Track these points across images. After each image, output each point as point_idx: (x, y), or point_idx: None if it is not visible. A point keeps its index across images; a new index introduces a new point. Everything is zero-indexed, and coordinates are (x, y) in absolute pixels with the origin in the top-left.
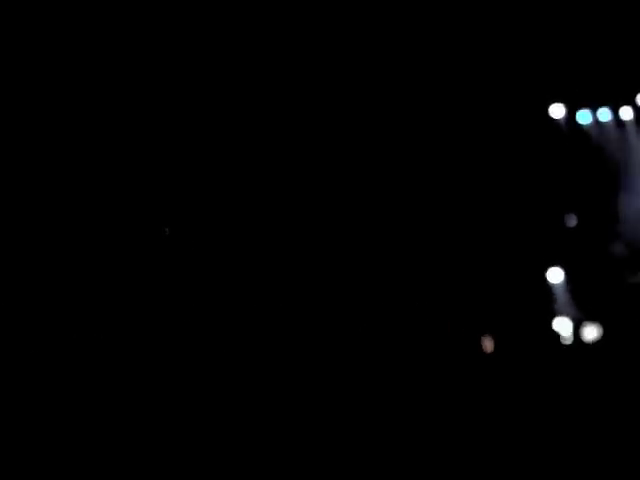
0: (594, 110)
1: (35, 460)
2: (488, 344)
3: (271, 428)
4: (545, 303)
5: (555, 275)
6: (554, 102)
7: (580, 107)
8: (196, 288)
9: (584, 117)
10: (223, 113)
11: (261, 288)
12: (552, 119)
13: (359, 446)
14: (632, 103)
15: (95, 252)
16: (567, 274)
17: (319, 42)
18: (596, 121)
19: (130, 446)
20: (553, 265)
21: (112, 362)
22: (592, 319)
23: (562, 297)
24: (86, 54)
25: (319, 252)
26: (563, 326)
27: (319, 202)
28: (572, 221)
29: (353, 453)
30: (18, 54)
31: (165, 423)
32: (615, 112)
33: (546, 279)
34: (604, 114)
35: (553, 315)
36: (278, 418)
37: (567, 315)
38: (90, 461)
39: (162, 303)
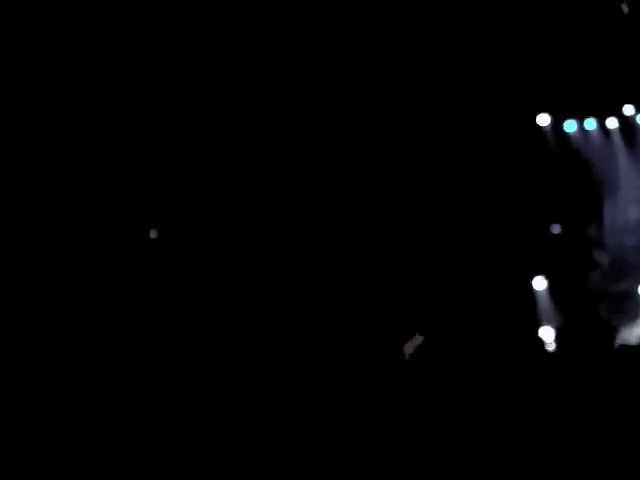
0: (580, 120)
1: (35, 460)
2: (414, 343)
3: (270, 427)
4: (529, 311)
5: (539, 283)
6: (541, 112)
7: (568, 117)
8: (194, 288)
9: (570, 126)
10: (221, 113)
11: (259, 288)
12: (539, 127)
13: (358, 445)
14: (618, 114)
15: (94, 251)
16: (551, 282)
17: (317, 42)
18: (582, 130)
19: (128, 446)
20: (537, 273)
21: (110, 362)
22: (576, 327)
23: (546, 305)
24: (85, 54)
25: (305, 254)
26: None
27: (307, 204)
28: (556, 229)
29: (352, 453)
30: (18, 54)
31: (164, 423)
32: (601, 122)
33: (531, 287)
34: (590, 123)
35: (538, 323)
36: (278, 418)
37: (551, 323)
38: (90, 461)
39: (161, 303)
